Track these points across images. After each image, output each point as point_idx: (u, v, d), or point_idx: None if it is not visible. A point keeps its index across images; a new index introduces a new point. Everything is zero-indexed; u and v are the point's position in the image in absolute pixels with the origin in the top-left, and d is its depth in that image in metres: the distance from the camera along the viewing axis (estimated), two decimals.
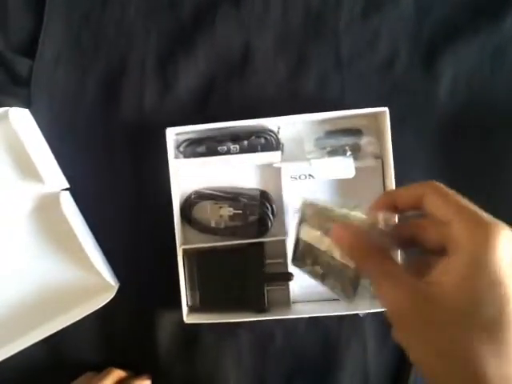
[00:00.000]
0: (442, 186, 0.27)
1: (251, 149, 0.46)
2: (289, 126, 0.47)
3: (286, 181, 0.47)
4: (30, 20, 0.50)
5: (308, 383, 0.48)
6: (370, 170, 0.46)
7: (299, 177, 0.47)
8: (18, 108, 0.46)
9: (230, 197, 0.47)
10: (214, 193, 0.48)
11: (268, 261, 0.46)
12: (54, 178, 0.48)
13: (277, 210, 0.47)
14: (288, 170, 0.47)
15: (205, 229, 0.48)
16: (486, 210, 0.46)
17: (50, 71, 0.50)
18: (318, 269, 0.33)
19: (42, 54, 0.49)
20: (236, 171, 0.48)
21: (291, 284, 0.47)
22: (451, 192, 0.26)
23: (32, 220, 0.49)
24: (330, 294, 0.47)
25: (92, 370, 0.49)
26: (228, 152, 0.46)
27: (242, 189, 0.48)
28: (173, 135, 0.47)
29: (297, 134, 0.47)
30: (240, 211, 0.47)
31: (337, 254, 0.30)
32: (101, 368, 0.48)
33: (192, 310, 0.47)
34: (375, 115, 0.46)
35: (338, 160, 0.45)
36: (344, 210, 0.31)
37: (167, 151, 0.45)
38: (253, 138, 0.46)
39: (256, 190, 0.48)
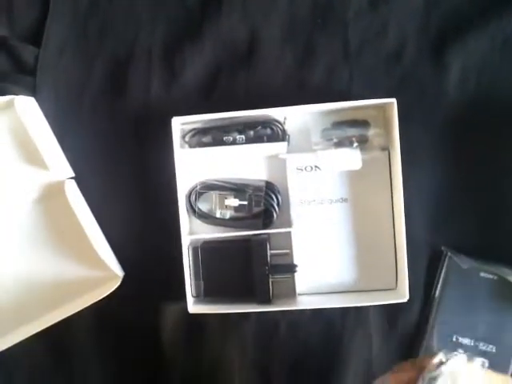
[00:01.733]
0: None
1: (257, 139, 0.46)
2: (295, 117, 0.47)
3: (292, 172, 0.47)
4: (36, 8, 0.49)
5: (312, 374, 0.48)
6: (377, 161, 0.46)
7: (305, 168, 0.47)
8: (23, 96, 0.46)
9: (236, 188, 0.47)
10: (220, 183, 0.48)
11: (273, 252, 0.46)
12: (60, 167, 0.48)
13: (282, 201, 0.47)
14: (294, 161, 0.47)
15: (210, 219, 0.48)
16: (493, 202, 0.46)
17: (55, 59, 0.49)
18: None
19: (48, 42, 0.49)
20: (242, 162, 0.48)
21: (296, 276, 0.46)
22: None
23: (37, 208, 0.49)
24: (334, 287, 0.48)
25: (96, 361, 0.49)
26: (234, 142, 0.46)
27: (247, 180, 0.48)
28: (179, 125, 0.47)
29: (303, 125, 0.47)
30: (245, 202, 0.47)
31: None
32: (102, 359, 0.49)
33: (196, 300, 0.47)
34: (383, 106, 0.46)
35: (344, 151, 0.45)
36: None
37: (173, 141, 0.45)
38: (259, 128, 0.46)
39: (261, 181, 0.47)
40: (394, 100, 0.44)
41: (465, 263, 0.44)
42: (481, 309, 0.45)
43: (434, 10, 0.48)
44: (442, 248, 0.47)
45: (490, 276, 0.45)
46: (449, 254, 0.46)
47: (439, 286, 0.46)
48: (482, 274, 0.45)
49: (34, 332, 0.45)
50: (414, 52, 0.48)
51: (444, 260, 0.46)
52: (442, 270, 0.46)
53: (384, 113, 0.46)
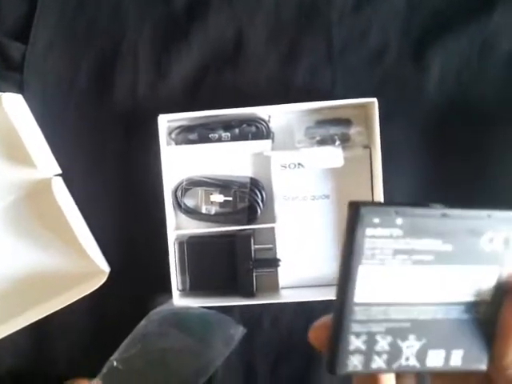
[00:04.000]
0: None
1: (242, 137, 0.47)
2: (280, 116, 0.48)
3: (276, 169, 0.48)
4: (23, 4, 0.49)
5: (295, 367, 0.50)
6: (359, 159, 0.47)
7: (289, 165, 0.48)
8: (11, 93, 0.46)
9: (221, 184, 0.48)
10: (205, 180, 0.48)
11: (257, 247, 0.47)
12: (47, 164, 0.48)
13: (266, 197, 0.48)
14: (278, 158, 0.48)
15: (196, 215, 0.49)
16: (472, 198, 0.48)
17: (43, 57, 0.50)
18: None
19: (36, 39, 0.49)
20: (227, 159, 0.49)
21: (280, 270, 0.48)
22: None
23: (24, 205, 0.49)
24: (317, 281, 0.49)
25: (82, 357, 0.50)
26: (219, 140, 0.47)
27: (232, 176, 0.49)
28: (165, 122, 0.47)
29: (287, 124, 0.48)
30: (230, 198, 0.48)
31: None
32: (91, 355, 0.49)
33: (182, 294, 0.48)
34: (364, 106, 0.47)
35: (327, 149, 0.46)
36: None
37: (159, 138, 0.46)
38: (244, 126, 0.47)
39: (246, 177, 0.48)
40: (374, 99, 0.45)
41: None
42: None
43: (416, 12, 0.49)
44: None
45: None
46: None
47: None
48: None
49: (19, 327, 0.46)
50: (395, 52, 0.49)
51: None
52: None
53: (366, 112, 0.48)
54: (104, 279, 0.47)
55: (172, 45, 0.49)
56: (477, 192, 0.48)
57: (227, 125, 0.47)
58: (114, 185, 0.50)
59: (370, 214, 0.20)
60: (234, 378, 0.49)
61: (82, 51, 0.50)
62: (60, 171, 0.49)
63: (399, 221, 0.20)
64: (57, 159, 0.49)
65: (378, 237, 0.20)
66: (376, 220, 0.20)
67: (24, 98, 0.49)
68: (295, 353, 0.49)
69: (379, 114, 0.45)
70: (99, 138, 0.50)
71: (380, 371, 0.22)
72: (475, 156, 0.48)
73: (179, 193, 0.48)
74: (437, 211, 0.21)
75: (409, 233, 0.20)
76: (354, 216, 0.20)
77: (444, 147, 0.48)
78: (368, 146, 0.47)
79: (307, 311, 0.49)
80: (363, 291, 0.21)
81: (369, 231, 0.20)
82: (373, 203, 0.21)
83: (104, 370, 0.46)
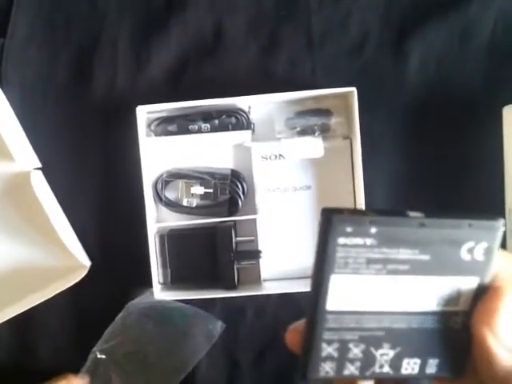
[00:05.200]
0: None
1: (222, 128, 0.47)
2: (260, 106, 0.48)
3: (257, 160, 0.48)
4: None
5: (278, 360, 0.49)
6: (339, 149, 0.47)
7: (270, 157, 0.48)
8: None
9: (201, 176, 0.48)
10: (186, 172, 0.48)
11: (238, 239, 0.47)
12: (26, 157, 0.47)
13: (247, 189, 0.48)
14: (259, 149, 0.48)
15: (177, 207, 0.48)
16: (454, 189, 0.47)
17: (21, 49, 0.49)
18: None
19: (14, 32, 0.49)
20: (207, 150, 0.48)
21: (261, 262, 0.47)
22: None
23: (2, 199, 0.49)
24: (299, 272, 0.48)
25: (64, 350, 0.49)
26: (199, 131, 0.47)
27: (213, 168, 0.48)
28: (144, 113, 0.47)
29: (267, 114, 0.48)
30: (211, 190, 0.47)
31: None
32: (73, 349, 0.49)
33: (163, 287, 0.47)
34: (344, 95, 0.47)
35: (306, 140, 0.46)
36: None
37: (138, 129, 0.45)
38: (224, 117, 0.47)
39: (227, 169, 0.48)
40: (354, 89, 0.45)
41: None
42: None
43: (396, 1, 0.49)
44: None
45: None
46: None
47: None
48: None
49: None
50: (375, 42, 0.49)
51: None
52: None
53: (346, 102, 0.47)
54: (85, 273, 0.47)
55: (151, 37, 0.49)
56: (459, 182, 0.48)
57: (207, 116, 0.47)
58: (94, 178, 0.49)
59: (342, 222, 0.19)
60: (218, 371, 0.49)
61: (61, 44, 0.49)
62: (39, 165, 0.48)
63: (373, 230, 0.20)
64: (36, 152, 0.49)
65: (350, 246, 0.20)
66: (349, 229, 0.19)
67: (2, 90, 0.48)
68: (278, 345, 0.49)
69: (359, 104, 0.45)
70: (79, 131, 0.49)
71: (353, 378, 0.22)
72: (455, 145, 0.48)
73: (159, 185, 0.48)
74: (414, 221, 0.20)
75: (384, 242, 0.20)
76: (326, 224, 0.19)
77: (424, 136, 0.48)
78: (348, 137, 0.47)
79: (290, 303, 0.49)
80: (335, 300, 0.21)
81: (341, 240, 0.19)
82: (346, 211, 0.20)
83: (88, 362, 0.46)
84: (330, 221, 0.19)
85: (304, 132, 0.47)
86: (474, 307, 0.21)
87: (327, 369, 0.21)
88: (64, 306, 0.49)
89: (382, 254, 0.20)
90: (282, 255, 0.48)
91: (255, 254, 0.46)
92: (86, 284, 0.46)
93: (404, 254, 0.20)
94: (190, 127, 0.46)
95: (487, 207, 0.47)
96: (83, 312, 0.49)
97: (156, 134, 0.47)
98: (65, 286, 0.46)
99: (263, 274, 0.48)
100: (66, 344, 0.50)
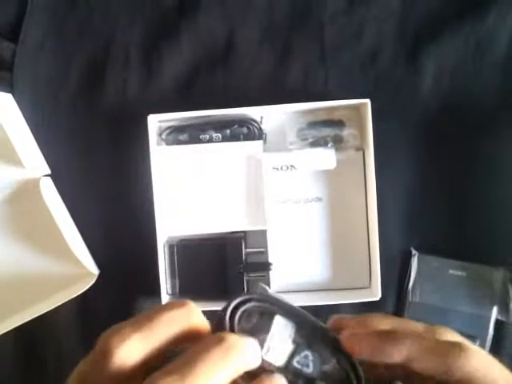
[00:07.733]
0: None
1: (233, 138, 0.46)
2: (272, 116, 0.47)
3: (268, 171, 0.47)
4: (14, 3, 0.49)
5: None
6: (351, 161, 0.47)
7: (281, 167, 0.47)
8: (0, 93, 0.46)
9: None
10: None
11: (248, 250, 0.46)
12: (35, 164, 0.47)
13: (258, 200, 0.47)
14: (270, 160, 0.47)
15: None
16: (467, 202, 0.47)
17: (33, 56, 0.49)
18: None
19: (26, 38, 0.49)
20: (218, 160, 0.48)
21: (271, 274, 0.47)
22: None
23: (11, 205, 0.49)
24: (308, 285, 0.48)
25: (70, 360, 0.49)
26: (210, 140, 0.46)
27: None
28: (155, 122, 0.47)
29: (279, 125, 0.47)
30: None
31: None
32: (79, 358, 0.48)
33: (171, 298, 0.47)
34: (357, 107, 0.46)
35: (319, 151, 0.45)
36: None
37: (149, 138, 0.45)
38: (235, 127, 0.46)
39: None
40: (367, 100, 0.44)
41: (433, 262, 0.45)
42: (451, 305, 0.46)
43: (410, 12, 0.48)
44: (411, 249, 0.47)
45: (459, 273, 0.46)
46: (416, 254, 0.47)
47: (410, 284, 0.47)
48: (451, 271, 0.46)
49: (6, 330, 0.45)
50: (389, 53, 0.48)
51: (413, 260, 0.47)
52: (411, 269, 0.47)
53: (358, 113, 0.47)
54: (92, 281, 0.46)
55: (163, 45, 0.49)
56: (472, 194, 0.48)
57: (218, 125, 0.46)
58: (104, 185, 0.49)
59: None
60: None
61: (73, 51, 0.49)
62: (49, 171, 0.48)
63: None
64: (46, 159, 0.48)
65: None
66: None
67: (14, 97, 0.48)
68: None
69: (372, 115, 0.44)
70: (89, 139, 0.49)
71: None
72: (469, 158, 0.48)
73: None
74: None
75: None
76: None
77: (438, 149, 0.48)
78: (361, 148, 0.47)
79: None
80: None
81: None
82: None
83: None
84: None
85: (316, 143, 0.46)
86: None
87: None
88: (72, 315, 0.49)
89: None
90: (292, 268, 0.48)
91: (265, 266, 0.46)
92: (93, 293, 0.46)
93: None
94: (201, 136, 0.46)
95: (500, 222, 0.46)
96: (91, 320, 0.49)
97: (167, 143, 0.47)
98: (72, 294, 0.45)
99: (273, 287, 0.47)
100: (73, 352, 0.49)
